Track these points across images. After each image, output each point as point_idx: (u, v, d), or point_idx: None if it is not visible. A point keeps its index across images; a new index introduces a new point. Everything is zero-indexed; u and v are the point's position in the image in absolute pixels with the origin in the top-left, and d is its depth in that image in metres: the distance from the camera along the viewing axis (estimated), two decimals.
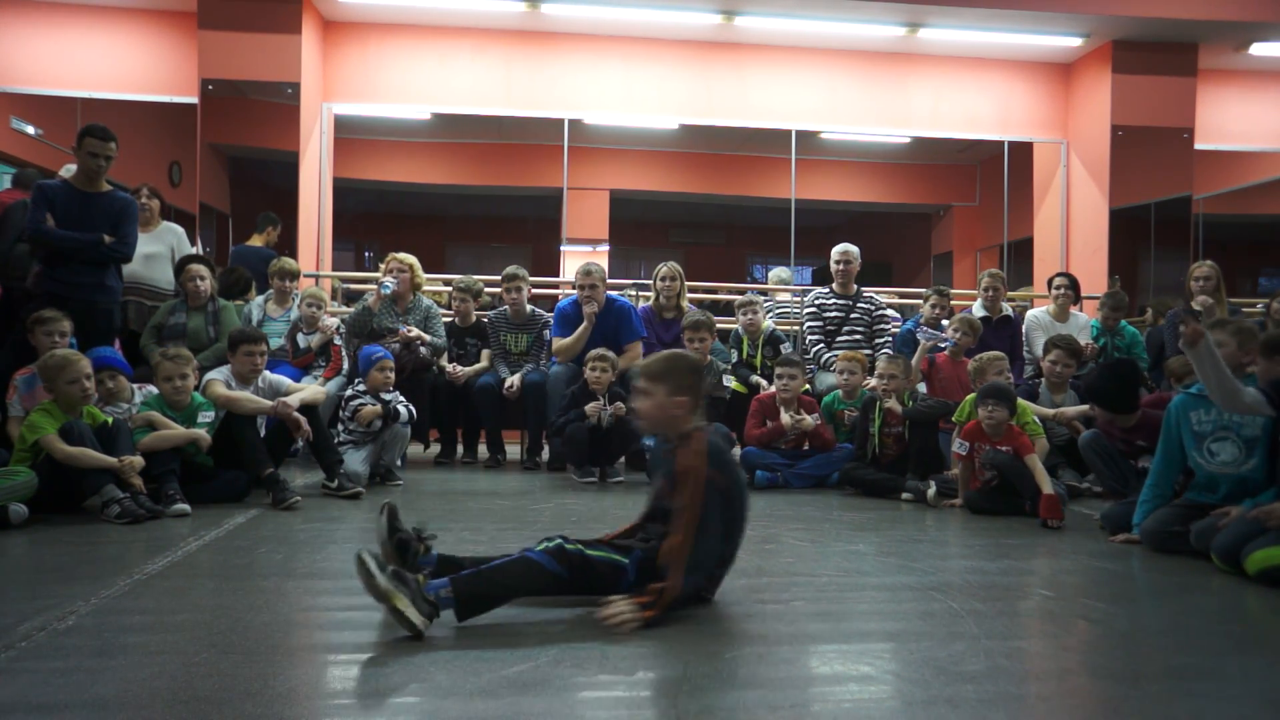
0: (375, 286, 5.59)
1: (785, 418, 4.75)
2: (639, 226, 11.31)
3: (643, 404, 2.48)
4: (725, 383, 5.08)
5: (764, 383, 5.11)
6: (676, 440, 2.43)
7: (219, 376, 4.24)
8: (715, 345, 5.27)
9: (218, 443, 3.98)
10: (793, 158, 8.03)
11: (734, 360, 5.51)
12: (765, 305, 6.57)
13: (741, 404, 5.10)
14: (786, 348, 5.55)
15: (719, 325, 5.38)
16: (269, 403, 4.12)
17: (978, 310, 5.74)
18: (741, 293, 8.08)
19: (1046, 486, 3.81)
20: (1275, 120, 8.28)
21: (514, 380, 5.32)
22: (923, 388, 5.03)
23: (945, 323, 5.50)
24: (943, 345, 5.16)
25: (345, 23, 7.38)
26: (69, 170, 5.54)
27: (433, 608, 2.08)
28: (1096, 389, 4.07)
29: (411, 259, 5.56)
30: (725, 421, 5.05)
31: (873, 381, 4.83)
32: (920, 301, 5.96)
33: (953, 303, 6.17)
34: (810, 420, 4.76)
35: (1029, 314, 5.99)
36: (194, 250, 5.81)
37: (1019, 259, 8.45)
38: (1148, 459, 3.69)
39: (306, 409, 4.19)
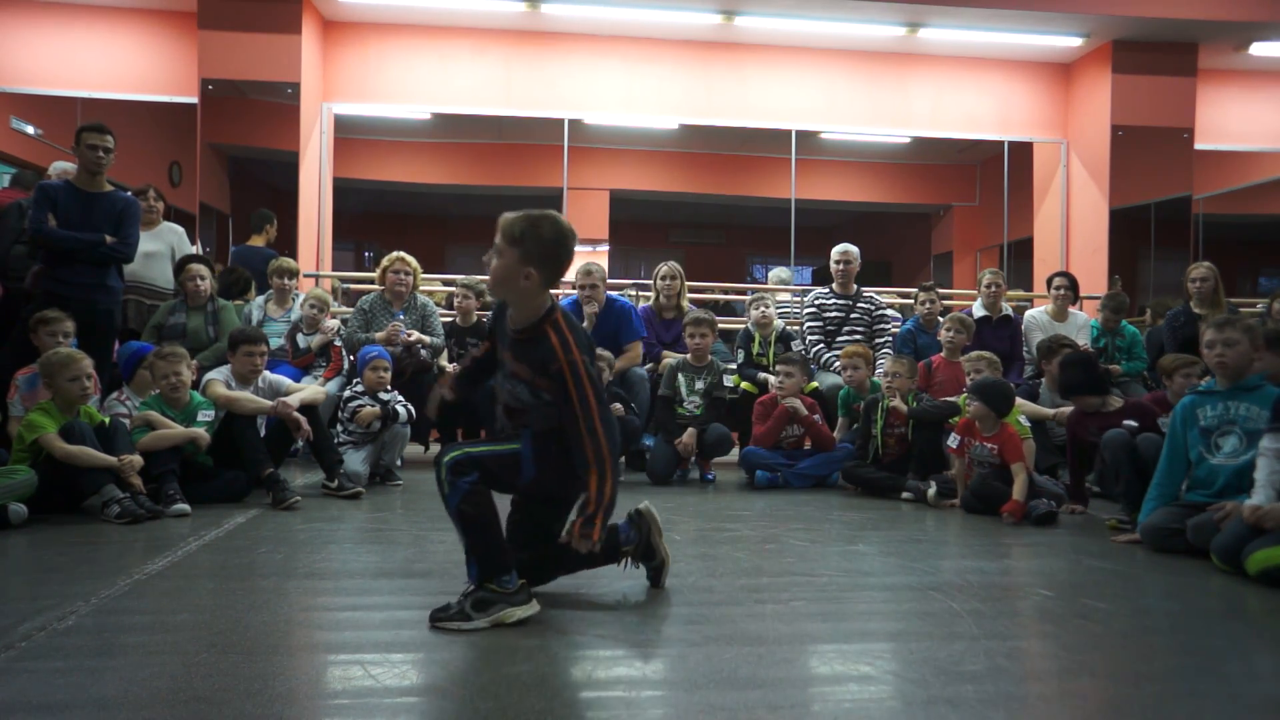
0: (377, 288, 5.60)
1: (787, 402, 4.75)
2: (639, 226, 11.32)
3: (495, 264, 2.21)
4: (725, 381, 5.07)
5: (773, 380, 5.09)
6: (533, 321, 2.23)
7: (219, 376, 4.24)
8: (716, 345, 5.27)
9: (217, 443, 3.98)
10: (793, 158, 8.03)
11: (741, 359, 5.50)
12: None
13: (746, 406, 5.09)
14: (796, 345, 5.56)
15: (719, 325, 5.38)
16: (269, 403, 4.12)
17: (977, 310, 5.74)
18: (742, 293, 8.09)
19: (1018, 495, 3.83)
20: (1275, 120, 8.28)
21: None
22: None
23: (942, 320, 5.49)
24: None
25: (345, 23, 7.39)
26: (58, 167, 5.56)
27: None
28: (1074, 383, 4.17)
29: (413, 261, 5.56)
30: (727, 422, 5.06)
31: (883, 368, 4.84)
32: (913, 302, 5.96)
33: (951, 303, 6.17)
34: (799, 403, 4.76)
35: (1028, 314, 5.99)
36: (194, 250, 5.81)
37: (1019, 259, 8.45)
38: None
39: (306, 409, 4.19)
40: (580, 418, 2.18)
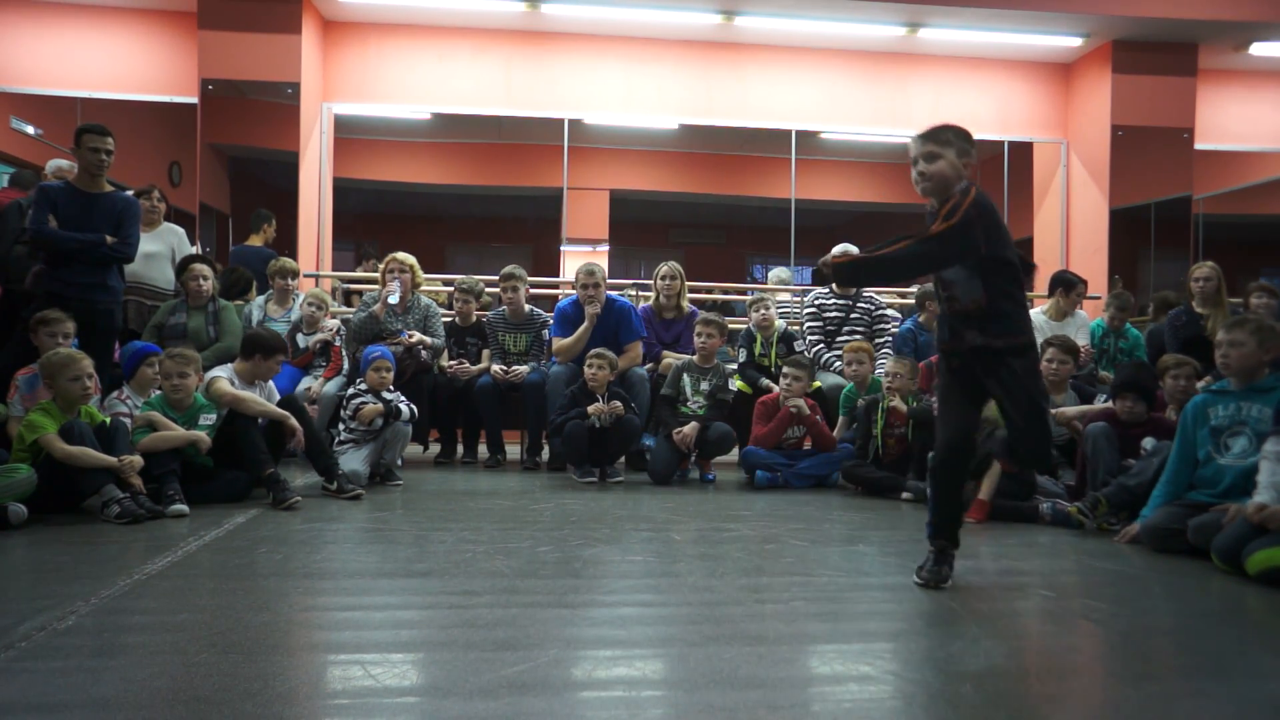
0: (377, 288, 5.61)
1: (791, 402, 4.75)
2: (639, 226, 11.31)
3: (935, 166, 2.65)
4: (731, 386, 5.08)
5: (774, 386, 5.10)
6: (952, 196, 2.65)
7: (223, 374, 4.23)
8: (720, 349, 5.27)
9: (218, 443, 3.98)
10: (793, 158, 8.03)
11: (743, 359, 5.51)
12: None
13: (746, 406, 5.09)
14: (799, 345, 5.56)
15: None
16: (275, 407, 4.14)
17: None
18: (742, 293, 8.09)
19: (983, 495, 3.91)
20: (1275, 120, 8.28)
21: (520, 369, 5.34)
22: None
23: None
24: None
25: (345, 23, 7.39)
26: (54, 165, 5.57)
27: None
28: (1138, 381, 4.12)
29: (410, 259, 5.56)
30: (729, 423, 5.06)
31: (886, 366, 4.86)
32: (914, 301, 5.94)
33: None
34: (803, 404, 4.77)
35: None
36: (194, 250, 5.81)
37: None
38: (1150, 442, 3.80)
39: (298, 413, 4.21)
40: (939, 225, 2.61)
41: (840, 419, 5.07)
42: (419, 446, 5.88)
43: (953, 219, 2.58)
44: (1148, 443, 3.81)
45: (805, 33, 7.45)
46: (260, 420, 4.20)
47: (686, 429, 4.84)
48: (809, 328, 5.77)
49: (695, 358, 5.10)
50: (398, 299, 5.35)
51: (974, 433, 2.84)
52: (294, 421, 4.10)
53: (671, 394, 5.03)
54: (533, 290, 6.04)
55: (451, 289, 6.12)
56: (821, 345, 5.67)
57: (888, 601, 2.53)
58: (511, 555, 2.94)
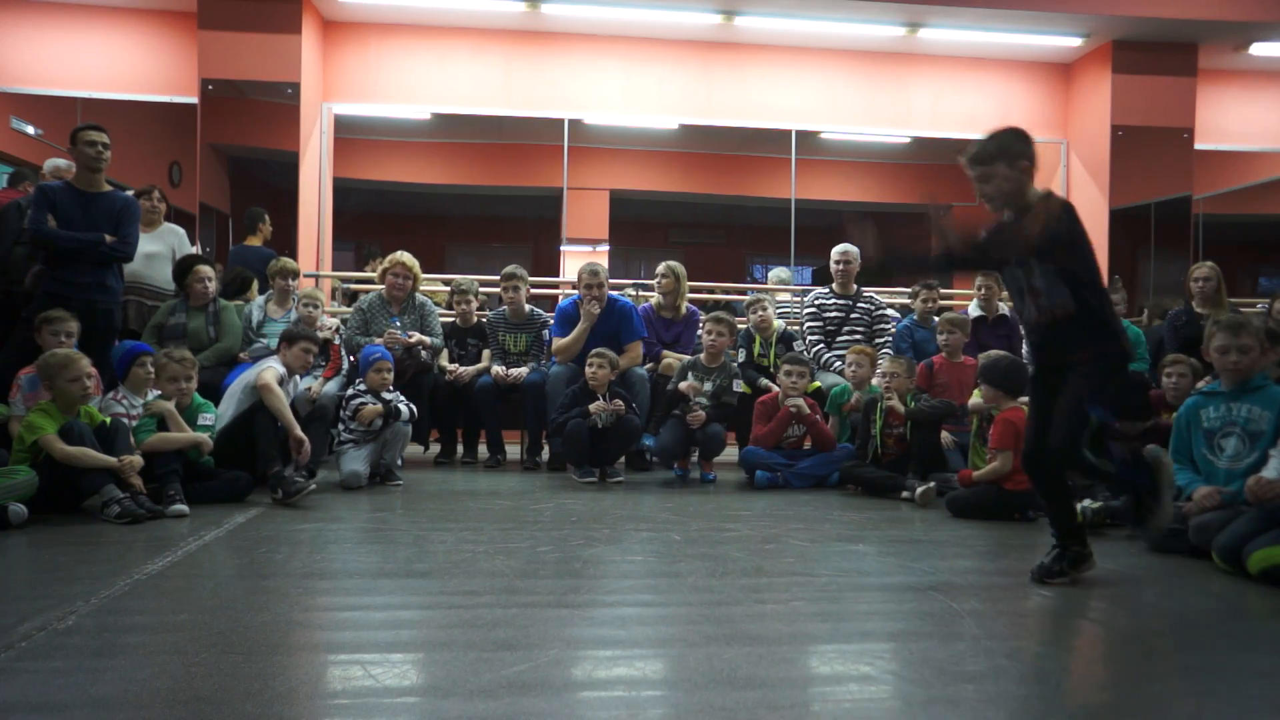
0: (377, 288, 5.60)
1: (791, 401, 4.76)
2: (639, 226, 11.30)
3: (991, 186, 2.62)
4: (735, 388, 5.07)
5: (774, 386, 5.10)
6: (1021, 213, 2.59)
7: (278, 367, 4.26)
8: (726, 352, 5.27)
9: (220, 443, 3.99)
10: (793, 158, 8.03)
11: (742, 359, 5.51)
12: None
13: (745, 406, 5.10)
14: (798, 345, 5.57)
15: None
16: (292, 418, 4.13)
17: (973, 310, 5.72)
18: (742, 293, 8.09)
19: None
20: (1275, 120, 8.28)
21: (520, 370, 5.33)
22: None
23: (937, 319, 5.48)
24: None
25: (345, 23, 7.39)
26: (51, 165, 5.56)
27: None
28: (1130, 403, 4.09)
29: (411, 260, 5.55)
30: (727, 423, 5.05)
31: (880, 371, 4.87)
32: (911, 300, 5.95)
33: (951, 303, 6.16)
34: (803, 403, 4.77)
35: None
36: (194, 250, 5.81)
37: None
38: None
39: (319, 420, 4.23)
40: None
41: (832, 419, 5.07)
42: (419, 447, 5.88)
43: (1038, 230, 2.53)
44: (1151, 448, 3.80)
45: (805, 33, 7.45)
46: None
47: (700, 412, 4.84)
48: (809, 328, 5.77)
49: (702, 356, 5.10)
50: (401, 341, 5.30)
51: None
52: (300, 433, 4.09)
53: (675, 388, 5.02)
54: (533, 290, 6.04)
55: (450, 289, 6.12)
56: (821, 345, 5.67)
57: (888, 601, 2.53)
58: (511, 555, 2.94)
